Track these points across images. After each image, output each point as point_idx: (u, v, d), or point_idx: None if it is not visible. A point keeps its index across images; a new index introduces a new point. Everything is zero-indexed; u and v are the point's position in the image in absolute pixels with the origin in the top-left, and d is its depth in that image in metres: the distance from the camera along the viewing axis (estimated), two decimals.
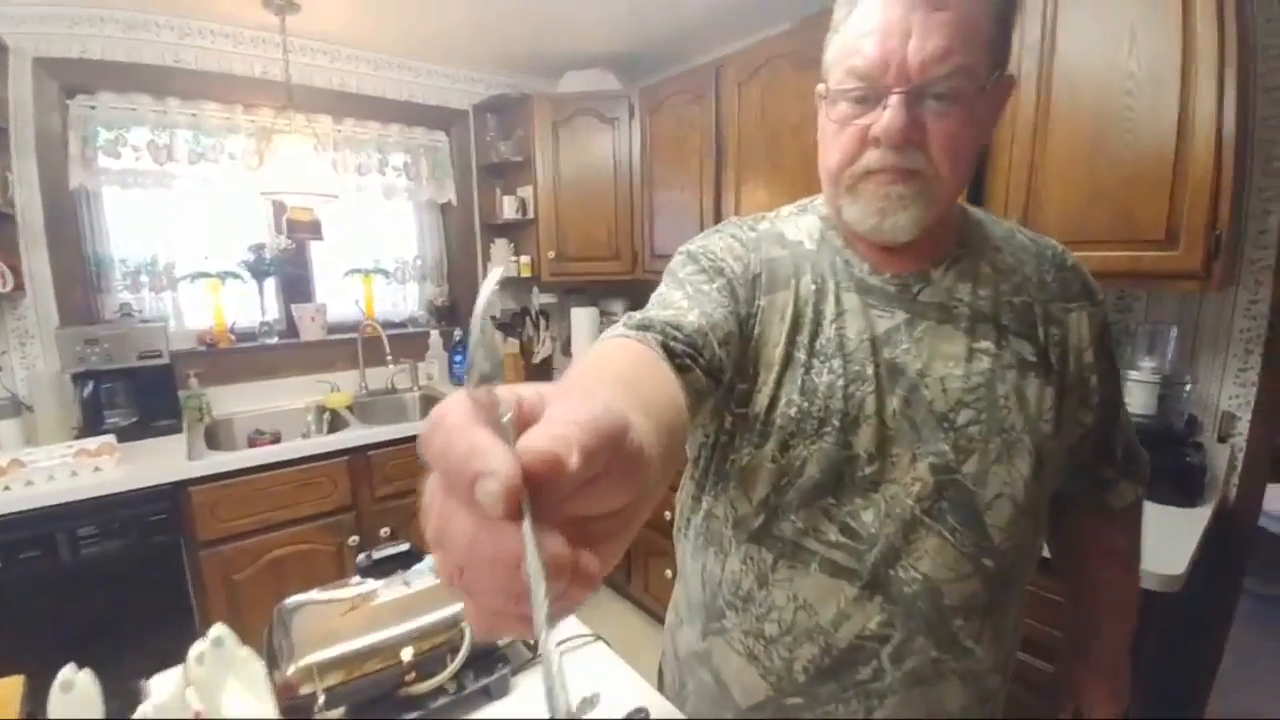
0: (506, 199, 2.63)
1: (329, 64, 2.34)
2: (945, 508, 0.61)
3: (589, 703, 0.70)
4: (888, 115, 0.54)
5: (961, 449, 0.60)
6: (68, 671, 0.35)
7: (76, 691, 0.34)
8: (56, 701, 0.34)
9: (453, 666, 0.73)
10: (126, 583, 1.63)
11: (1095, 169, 1.31)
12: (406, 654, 0.72)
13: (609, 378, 0.44)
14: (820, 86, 0.61)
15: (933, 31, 0.52)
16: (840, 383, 0.61)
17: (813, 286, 0.65)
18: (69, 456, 1.64)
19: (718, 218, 2.20)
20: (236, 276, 2.26)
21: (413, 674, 0.72)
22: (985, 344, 0.62)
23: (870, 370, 0.61)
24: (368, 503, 1.97)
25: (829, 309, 0.64)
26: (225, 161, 2.14)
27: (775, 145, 1.97)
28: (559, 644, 0.87)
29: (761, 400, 0.64)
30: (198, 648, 0.37)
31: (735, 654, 0.69)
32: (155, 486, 1.66)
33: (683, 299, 0.61)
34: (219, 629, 0.38)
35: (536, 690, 0.79)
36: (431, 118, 2.58)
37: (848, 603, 0.62)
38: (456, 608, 0.78)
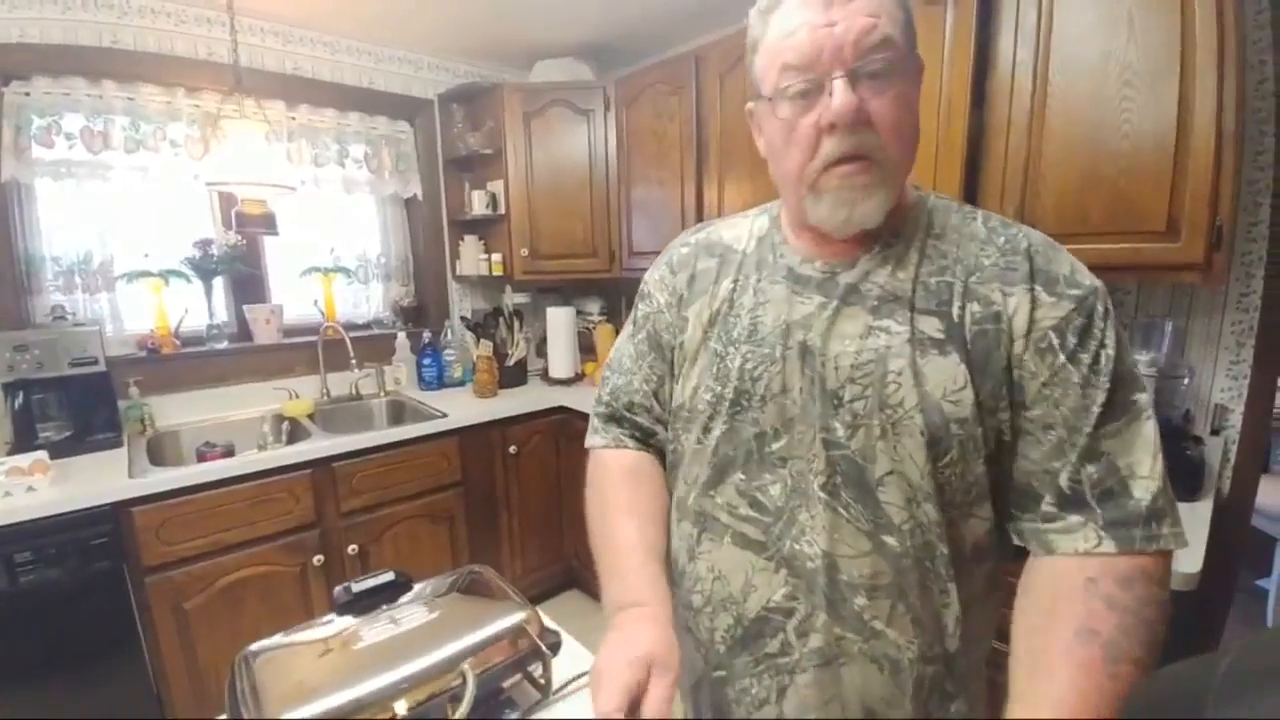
0: (476, 194, 2.50)
1: (281, 46, 2.18)
2: (839, 483, 0.62)
3: None
4: (836, 100, 0.57)
5: (848, 425, 0.62)
6: None
7: None
8: None
9: (458, 717, 0.63)
10: (68, 613, 1.47)
11: (1094, 158, 1.29)
12: (400, 707, 0.62)
13: (635, 537, 0.70)
14: (750, 105, 0.67)
15: (854, 12, 0.57)
16: (749, 365, 0.67)
17: (731, 286, 0.72)
18: (1, 477, 1.46)
19: (699, 214, 2.13)
20: (181, 275, 2.08)
21: None
22: (887, 322, 0.62)
23: (779, 352, 0.66)
24: (333, 518, 1.83)
25: (746, 300, 0.70)
26: (166, 150, 1.97)
27: None
28: (573, 680, 0.78)
29: (685, 391, 0.73)
30: None
31: (678, 628, 0.69)
32: (94, 508, 1.49)
33: (629, 360, 0.80)
34: None
35: None
36: (394, 106, 2.44)
37: (755, 573, 0.66)
38: (456, 646, 0.68)
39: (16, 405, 1.71)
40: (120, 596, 1.53)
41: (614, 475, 0.77)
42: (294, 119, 2.20)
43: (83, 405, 1.79)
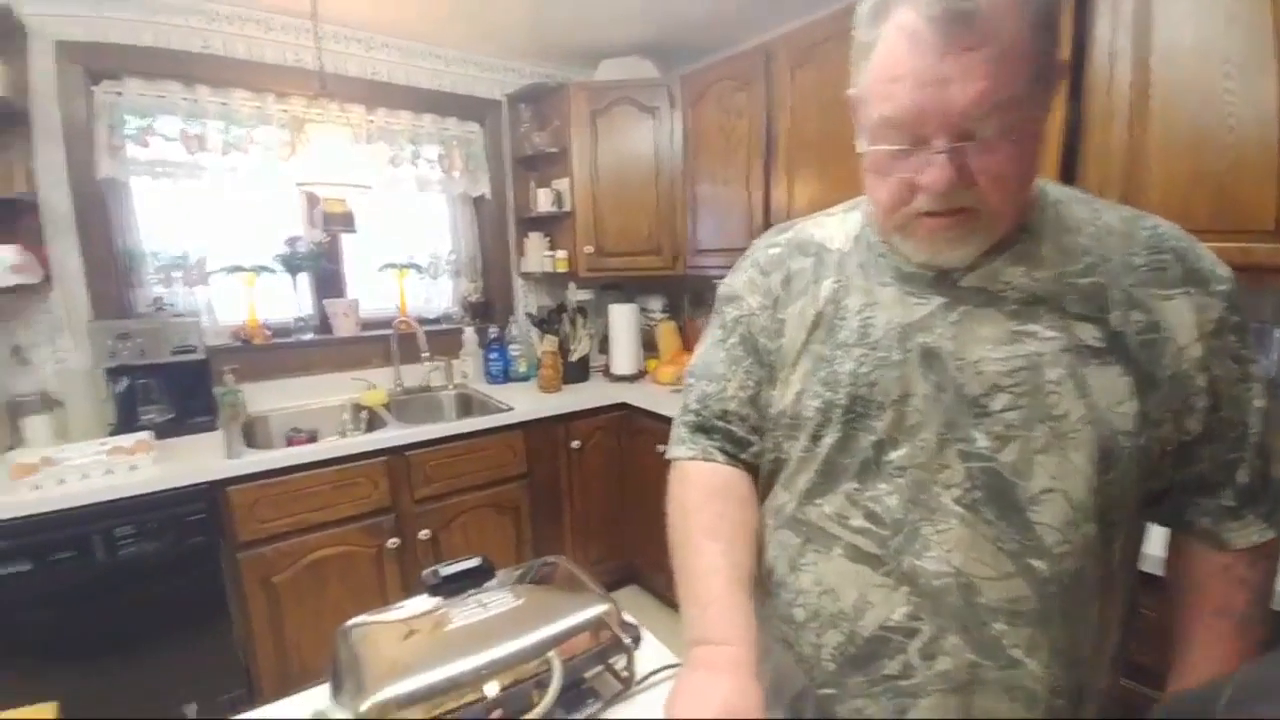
0: (541, 191, 2.55)
1: (362, 52, 2.27)
2: (980, 498, 0.58)
3: None
4: (933, 171, 0.53)
5: (998, 436, 0.57)
6: None
7: None
8: None
9: (543, 704, 0.65)
10: (163, 585, 1.58)
11: (1199, 153, 1.20)
12: (491, 689, 0.65)
13: (721, 563, 0.66)
14: (851, 91, 0.60)
15: (969, 75, 0.49)
16: (864, 370, 0.63)
17: (835, 286, 0.67)
18: (103, 454, 1.59)
19: (766, 214, 2.10)
20: (270, 270, 2.21)
21: (498, 711, 0.64)
22: (1034, 327, 0.58)
23: (897, 356, 0.61)
24: (407, 504, 1.91)
25: (853, 303, 0.65)
26: (257, 152, 2.09)
27: (832, 135, 1.86)
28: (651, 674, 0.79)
29: (787, 397, 0.68)
30: None
31: (774, 640, 0.71)
32: (192, 486, 1.60)
33: (721, 366, 0.74)
34: None
35: None
36: (465, 108, 2.51)
37: (871, 589, 0.62)
38: (542, 634, 0.70)
39: (119, 390, 1.84)
40: (213, 570, 1.64)
41: (700, 492, 0.71)
42: (372, 121, 2.30)
43: (181, 391, 1.92)
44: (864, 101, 0.57)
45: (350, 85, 2.21)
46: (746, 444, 0.73)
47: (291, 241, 2.21)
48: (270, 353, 2.18)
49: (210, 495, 1.63)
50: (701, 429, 0.75)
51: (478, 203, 2.66)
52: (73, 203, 1.86)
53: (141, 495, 1.55)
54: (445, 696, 0.64)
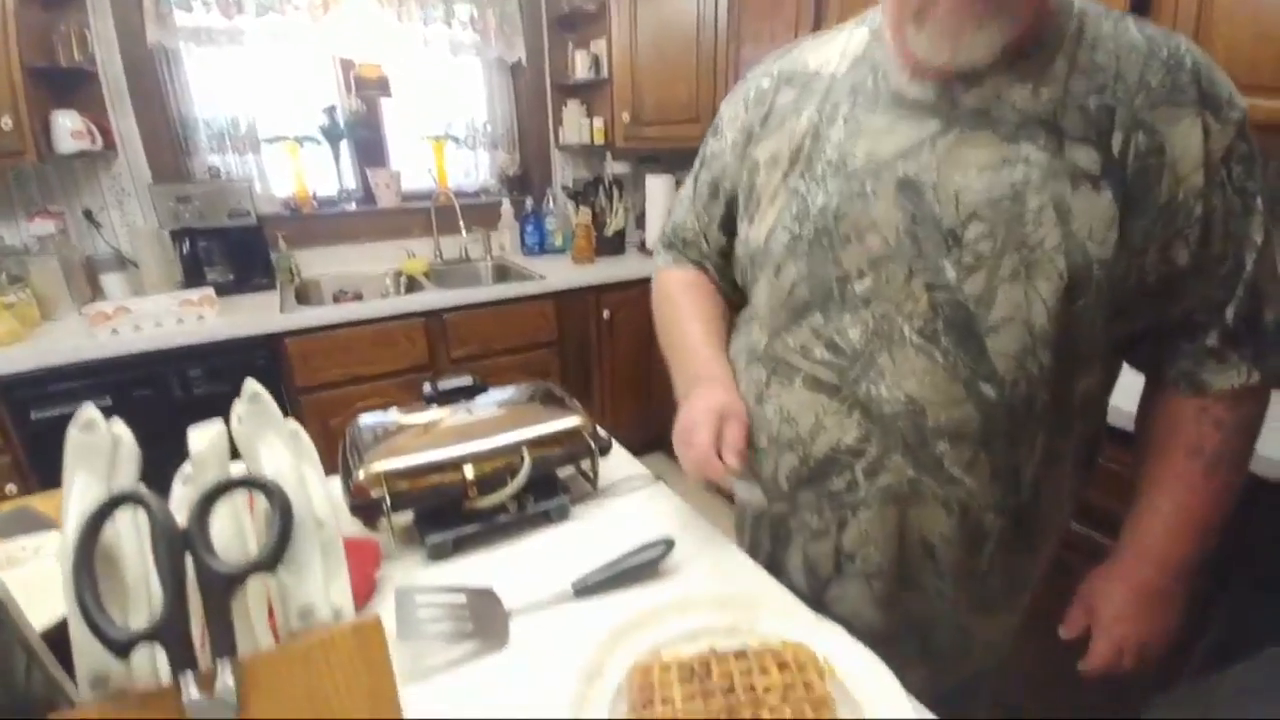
0: (579, 54, 2.45)
1: None
2: (940, 328, 0.58)
3: (666, 547, 0.69)
4: None
5: (966, 266, 0.56)
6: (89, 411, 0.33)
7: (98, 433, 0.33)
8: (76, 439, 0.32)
9: (512, 485, 0.73)
10: None
11: (1267, 8, 1.05)
12: (468, 471, 0.73)
13: (701, 333, 0.78)
14: None
15: None
16: (834, 203, 0.61)
17: (815, 116, 0.65)
18: (174, 305, 1.76)
19: None
20: (313, 140, 2.27)
21: (474, 490, 0.73)
22: (1027, 149, 0.54)
23: (870, 188, 0.60)
24: (444, 363, 2.05)
25: (834, 133, 0.63)
26: (291, 12, 2.08)
27: None
28: (626, 480, 0.87)
29: (760, 233, 0.69)
30: (238, 407, 0.35)
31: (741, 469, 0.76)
32: (254, 336, 1.77)
33: (687, 200, 0.82)
34: (252, 385, 0.37)
35: (596, 520, 0.80)
36: None
37: (825, 415, 0.65)
38: (517, 435, 0.77)
39: (184, 251, 2.00)
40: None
41: (678, 287, 0.83)
42: None
43: (240, 254, 2.07)
44: None
45: None
46: (709, 260, 0.82)
47: (330, 111, 2.24)
48: (318, 221, 2.29)
49: (270, 345, 1.80)
50: (672, 246, 0.86)
51: (514, 70, 2.59)
52: (125, 71, 1.93)
53: (209, 343, 1.73)
54: (428, 475, 0.73)
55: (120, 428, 0.37)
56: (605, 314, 2.31)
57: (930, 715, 0.52)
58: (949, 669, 0.75)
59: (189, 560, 0.31)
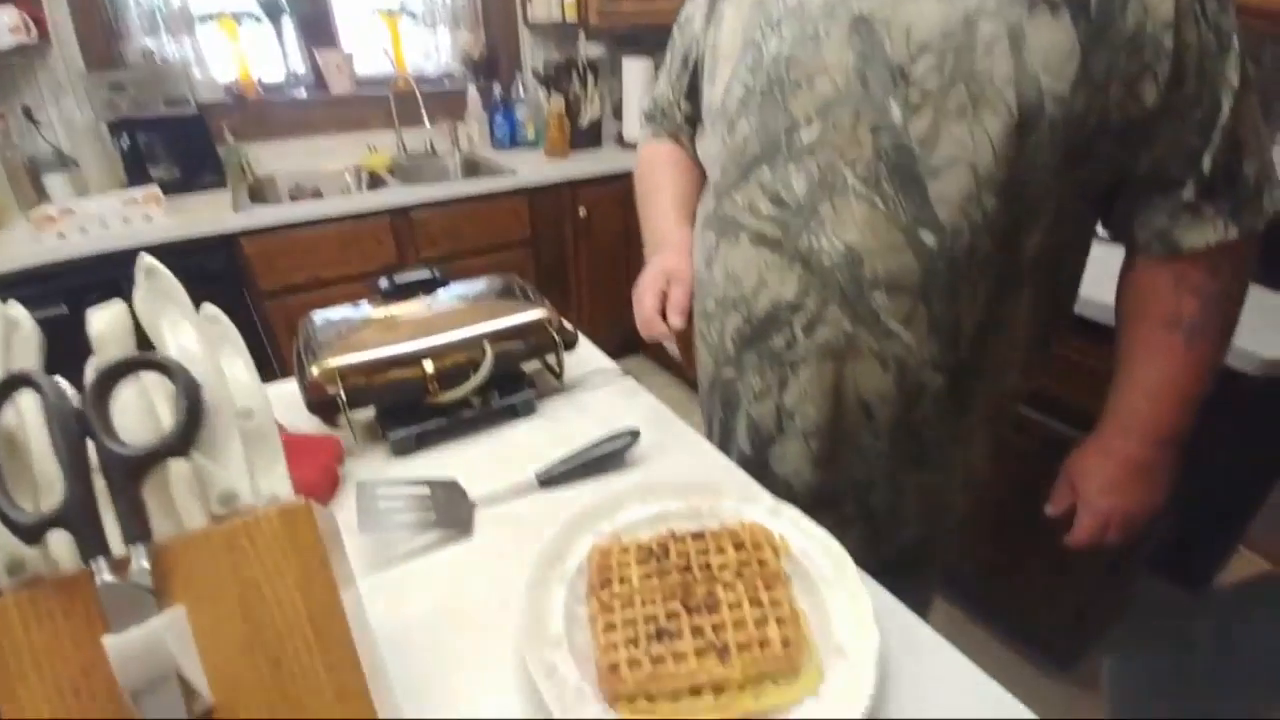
0: None
1: None
2: (883, 174, 0.56)
3: (632, 437, 0.69)
4: None
5: (912, 106, 0.54)
6: None
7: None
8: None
9: (474, 379, 0.72)
10: None
11: None
12: (428, 366, 0.71)
13: (668, 204, 0.82)
14: None
15: None
16: (786, 50, 0.59)
17: None
18: (119, 205, 1.65)
19: None
20: (252, 17, 2.06)
21: (435, 385, 0.71)
22: None
23: (823, 29, 0.57)
24: (413, 263, 1.98)
25: None
26: None
27: None
28: (594, 373, 0.85)
29: (718, 91, 0.67)
30: (137, 287, 0.32)
31: (697, 336, 0.79)
32: (207, 236, 1.68)
33: (664, 67, 0.85)
34: (147, 260, 0.33)
35: (563, 415, 0.79)
36: None
37: (767, 271, 0.64)
38: (478, 329, 0.75)
39: (125, 146, 1.85)
40: (246, 317, 1.79)
41: (654, 160, 0.87)
42: None
43: (184, 148, 1.92)
44: None
45: None
46: (683, 132, 0.86)
47: None
48: (267, 111, 2.12)
49: (226, 246, 1.71)
50: (652, 119, 0.90)
51: None
52: None
53: (161, 243, 1.63)
54: (386, 370, 0.70)
55: (17, 310, 0.34)
56: (581, 211, 2.22)
57: (883, 590, 0.54)
58: (885, 532, 0.78)
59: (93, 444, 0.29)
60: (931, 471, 0.73)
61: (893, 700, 0.45)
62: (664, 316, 0.72)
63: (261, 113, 2.12)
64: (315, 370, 0.68)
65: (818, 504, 0.67)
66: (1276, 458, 1.40)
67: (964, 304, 0.60)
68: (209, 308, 0.40)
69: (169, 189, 1.82)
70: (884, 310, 0.60)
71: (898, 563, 0.77)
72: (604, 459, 0.67)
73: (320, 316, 0.78)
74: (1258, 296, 1.15)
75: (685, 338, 0.77)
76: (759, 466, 0.74)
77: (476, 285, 0.86)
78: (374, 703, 0.30)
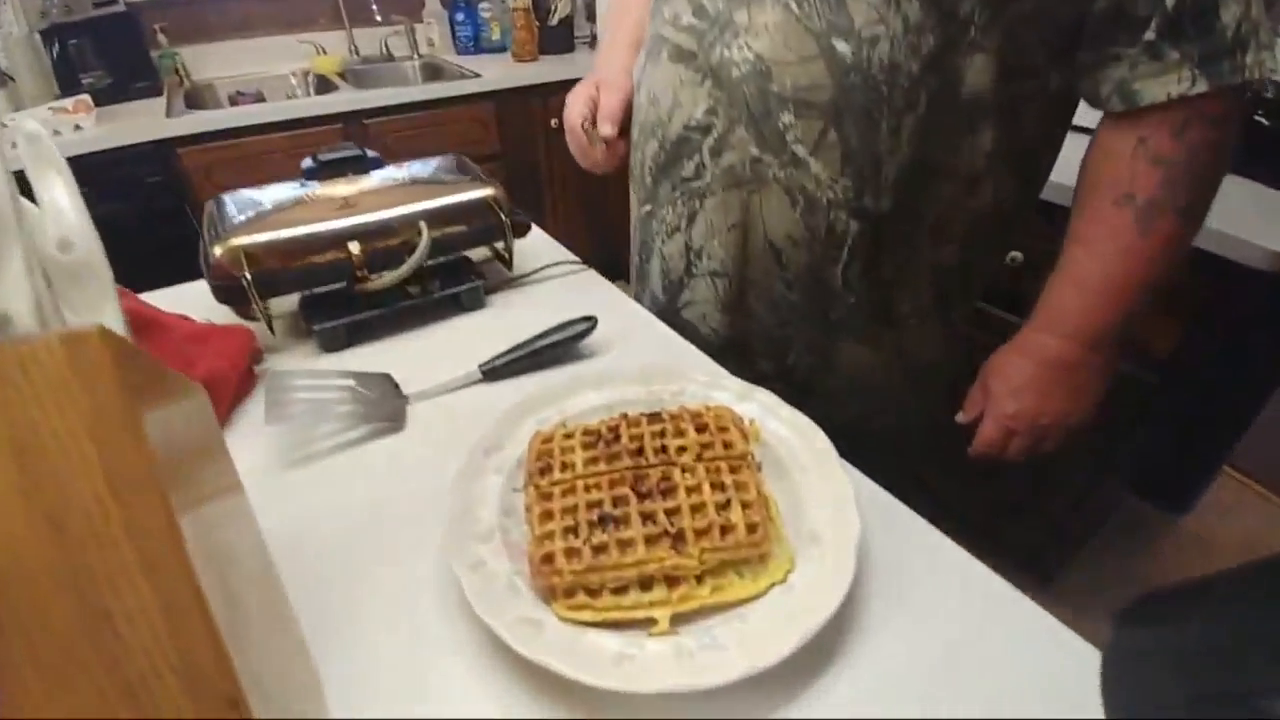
0: None
1: None
2: None
3: (589, 324, 0.61)
4: None
5: None
6: None
7: None
8: None
9: (408, 264, 0.63)
10: (139, 247, 1.61)
11: None
12: (354, 248, 0.62)
13: (624, 34, 0.77)
14: None
15: None
16: None
17: None
18: (48, 115, 1.51)
19: None
20: None
21: (364, 270, 0.63)
22: None
23: None
24: None
25: None
26: None
27: None
28: (550, 266, 0.77)
29: None
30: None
31: (631, 175, 0.74)
32: (140, 144, 1.54)
33: None
34: (30, 126, 0.33)
35: (514, 309, 0.71)
36: None
37: (681, 88, 0.60)
38: (411, 208, 0.65)
39: (55, 54, 1.70)
40: (190, 235, 1.66)
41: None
42: None
43: (117, 53, 1.76)
44: None
45: None
46: None
47: None
48: (202, 9, 1.92)
49: (161, 156, 1.57)
50: None
51: None
52: None
53: (92, 153, 1.49)
54: (305, 253, 0.61)
55: None
56: (553, 122, 2.07)
57: (865, 478, 0.48)
58: (813, 402, 0.70)
59: None
60: (858, 344, 0.65)
61: (873, 586, 0.40)
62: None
63: (196, 12, 1.92)
64: (218, 250, 0.59)
65: (728, 352, 0.64)
66: (1267, 373, 1.34)
67: (884, 138, 0.52)
68: (27, 124, 0.32)
69: (101, 98, 1.68)
70: (792, 131, 0.54)
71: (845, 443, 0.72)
72: (557, 347, 0.60)
73: (232, 197, 0.68)
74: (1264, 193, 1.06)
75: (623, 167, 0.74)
76: (671, 314, 0.70)
77: (416, 166, 0.76)
78: (199, 581, 0.23)
